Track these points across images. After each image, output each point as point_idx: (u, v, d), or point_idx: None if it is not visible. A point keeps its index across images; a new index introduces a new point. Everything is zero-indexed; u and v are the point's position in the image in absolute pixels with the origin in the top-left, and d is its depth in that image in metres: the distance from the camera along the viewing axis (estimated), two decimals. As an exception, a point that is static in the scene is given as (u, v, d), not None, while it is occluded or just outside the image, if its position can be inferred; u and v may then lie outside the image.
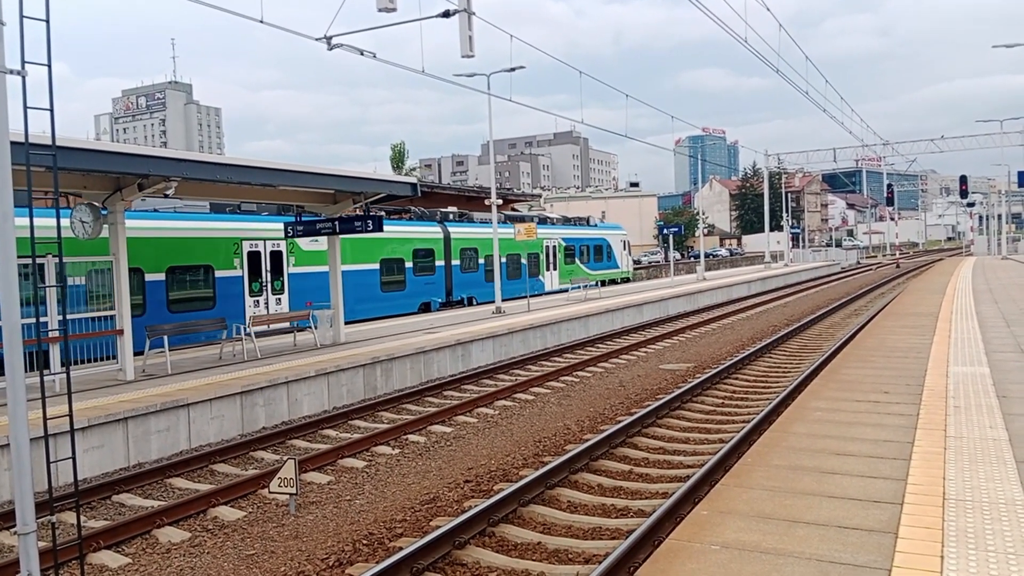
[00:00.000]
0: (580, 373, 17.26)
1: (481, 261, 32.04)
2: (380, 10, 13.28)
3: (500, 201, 33.28)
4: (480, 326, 21.24)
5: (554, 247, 37.80)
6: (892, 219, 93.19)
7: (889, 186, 70.67)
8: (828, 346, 19.22)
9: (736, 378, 15.71)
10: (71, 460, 5.82)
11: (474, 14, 15.74)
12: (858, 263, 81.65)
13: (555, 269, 37.86)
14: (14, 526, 5.42)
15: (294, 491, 8.57)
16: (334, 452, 10.92)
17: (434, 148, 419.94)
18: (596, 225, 45.39)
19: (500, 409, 13.85)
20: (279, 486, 8.60)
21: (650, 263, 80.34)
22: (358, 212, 19.26)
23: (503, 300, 26.96)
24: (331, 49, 15.15)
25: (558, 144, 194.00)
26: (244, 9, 13.67)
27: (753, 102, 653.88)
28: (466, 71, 24.76)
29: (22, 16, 5.37)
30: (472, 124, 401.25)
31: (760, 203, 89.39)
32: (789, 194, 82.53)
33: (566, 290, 34.80)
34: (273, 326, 18.83)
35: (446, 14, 15.33)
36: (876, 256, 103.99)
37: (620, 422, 11.71)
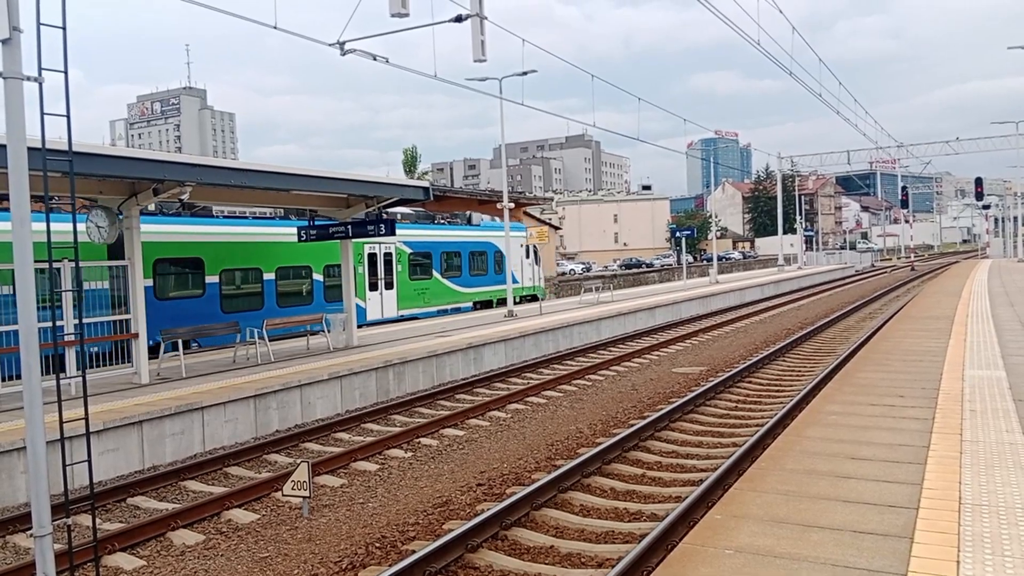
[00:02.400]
0: (592, 376, 17.24)
1: (213, 280, 19.96)
2: (393, 15, 13.31)
3: (512, 205, 33.09)
4: (492, 330, 21.25)
5: (388, 255, 26.01)
6: (907, 221, 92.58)
7: (903, 188, 70.29)
8: (842, 350, 19.11)
9: (749, 382, 15.64)
10: (87, 463, 5.86)
11: (486, 18, 15.76)
12: (872, 266, 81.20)
13: (391, 288, 26.09)
14: (30, 528, 5.47)
15: (307, 494, 8.60)
16: (347, 455, 10.95)
17: (446, 152, 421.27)
18: (479, 225, 33.24)
19: (512, 413, 13.84)
20: (292, 489, 8.63)
21: (663, 266, 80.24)
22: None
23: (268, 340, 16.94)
24: (344, 55, 15.20)
25: (570, 147, 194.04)
26: (257, 15, 13.75)
27: (765, 105, 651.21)
28: (478, 75, 24.89)
29: (39, 23, 5.43)
30: (484, 128, 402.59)
31: (773, 206, 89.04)
32: (803, 197, 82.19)
33: (414, 317, 26.05)
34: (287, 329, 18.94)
35: (458, 19, 15.37)
36: (891, 259, 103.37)
37: (633, 426, 11.68)
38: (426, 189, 20.62)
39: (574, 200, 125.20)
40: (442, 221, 31.62)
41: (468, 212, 34.14)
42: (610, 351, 21.43)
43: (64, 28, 5.61)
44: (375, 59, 16.15)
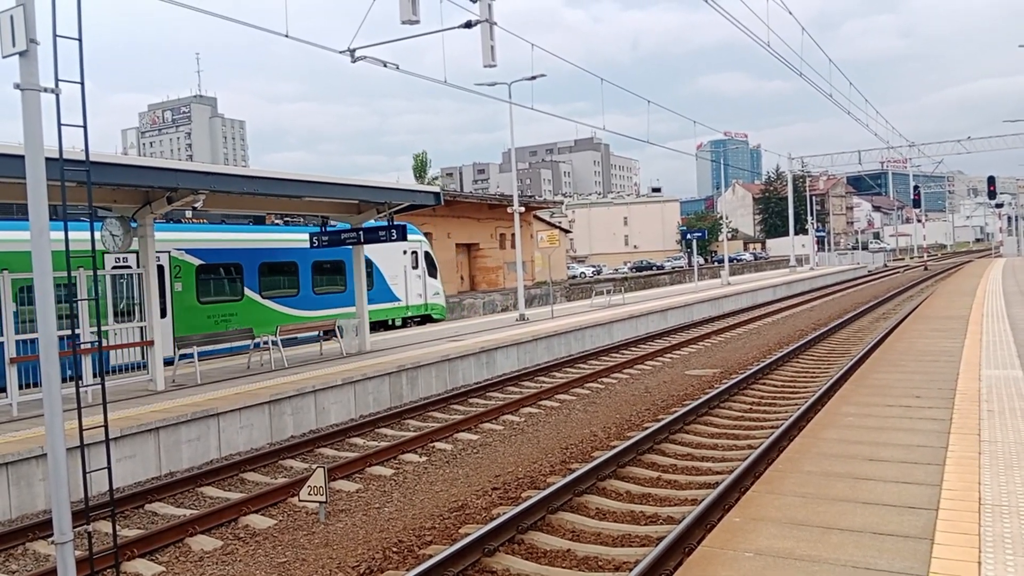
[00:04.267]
0: (605, 379, 17.21)
1: None
2: (404, 22, 13.37)
3: (523, 209, 33.01)
4: (504, 333, 21.26)
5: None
6: (919, 221, 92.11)
7: (915, 188, 69.86)
8: (857, 350, 19.01)
9: (764, 383, 15.58)
10: (106, 470, 5.90)
11: (496, 24, 15.80)
12: (885, 266, 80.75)
13: (163, 315, 16.91)
14: (50, 535, 5.51)
15: (324, 499, 8.62)
16: (362, 460, 10.98)
17: (455, 157, 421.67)
18: (334, 226, 22.27)
19: (526, 416, 13.84)
20: (309, 494, 8.65)
21: (673, 268, 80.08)
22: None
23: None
24: (355, 62, 15.27)
25: (579, 151, 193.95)
26: (267, 24, 13.85)
27: (774, 105, 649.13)
28: (487, 80, 24.94)
29: (55, 35, 5.49)
30: (492, 132, 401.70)
31: (784, 207, 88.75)
32: (814, 197, 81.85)
33: (211, 354, 17.48)
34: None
35: (468, 25, 15.40)
36: (903, 259, 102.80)
37: (647, 428, 11.67)
38: (437, 194, 20.69)
39: (584, 203, 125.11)
40: (276, 222, 23.77)
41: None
42: (623, 354, 21.40)
43: (80, 40, 5.66)
44: (385, 66, 16.21)
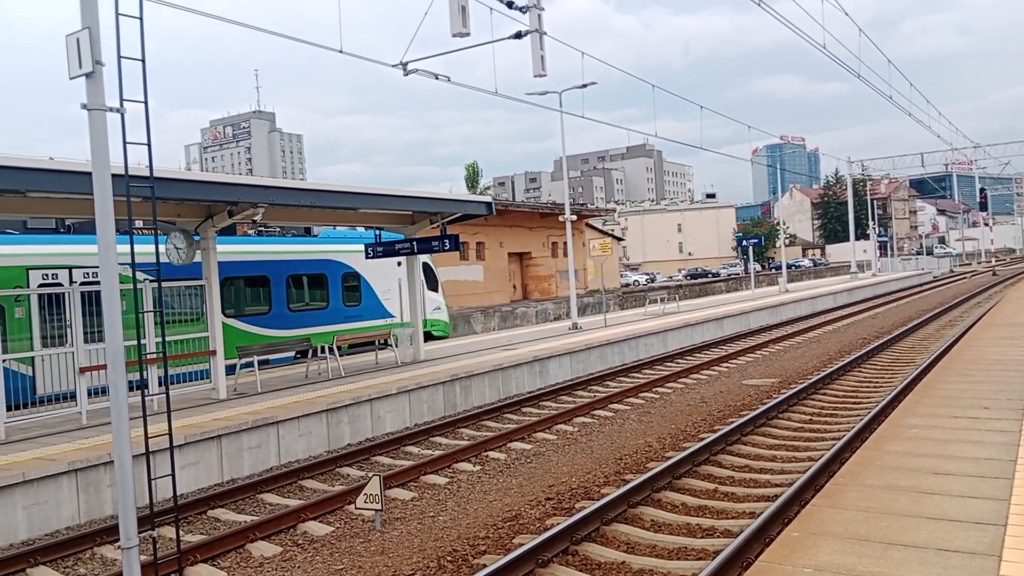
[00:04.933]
0: (660, 389, 17.04)
1: None
2: (455, 35, 13.49)
3: (575, 217, 32.87)
4: (557, 342, 21.22)
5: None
6: (986, 224, 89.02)
7: (982, 190, 67.74)
8: (922, 359, 18.45)
9: (824, 393, 15.23)
10: (170, 477, 6.08)
11: (546, 34, 15.83)
12: (951, 271, 78.31)
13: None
14: (117, 540, 5.69)
15: (379, 507, 8.72)
16: (417, 469, 11.07)
17: (506, 167, 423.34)
18: (317, 237, 22.83)
19: (579, 426, 13.79)
20: (365, 502, 8.76)
21: (729, 276, 78.95)
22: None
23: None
24: (407, 75, 15.46)
25: (631, 157, 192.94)
26: (321, 40, 14.11)
27: (831, 108, 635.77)
28: (537, 90, 25.02)
29: (120, 56, 5.70)
30: (543, 141, 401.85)
31: (844, 211, 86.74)
32: (875, 201, 79.85)
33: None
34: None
35: (518, 35, 15.46)
36: (970, 264, 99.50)
37: (703, 439, 11.51)
38: (489, 204, 20.81)
39: (636, 210, 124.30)
40: (248, 232, 21.43)
41: (310, 224, 21.74)
42: (677, 363, 21.16)
43: (143, 60, 5.86)
44: (437, 78, 16.38)
